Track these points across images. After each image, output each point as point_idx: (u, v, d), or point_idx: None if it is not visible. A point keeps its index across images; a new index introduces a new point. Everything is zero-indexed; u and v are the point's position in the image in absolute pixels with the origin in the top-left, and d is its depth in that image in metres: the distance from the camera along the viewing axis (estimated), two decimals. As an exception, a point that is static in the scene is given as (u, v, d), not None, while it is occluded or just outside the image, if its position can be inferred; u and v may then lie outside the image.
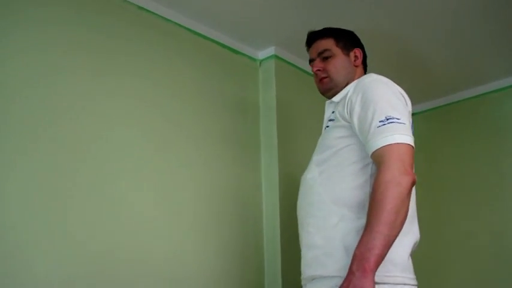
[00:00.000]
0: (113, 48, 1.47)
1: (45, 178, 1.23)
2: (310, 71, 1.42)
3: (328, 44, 1.38)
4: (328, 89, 1.36)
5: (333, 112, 1.30)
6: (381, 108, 1.12)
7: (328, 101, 1.37)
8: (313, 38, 1.42)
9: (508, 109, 2.28)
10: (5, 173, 1.16)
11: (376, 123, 1.10)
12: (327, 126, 1.31)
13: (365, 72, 1.41)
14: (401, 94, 1.20)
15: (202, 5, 1.66)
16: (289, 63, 2.02)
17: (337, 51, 1.38)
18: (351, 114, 1.18)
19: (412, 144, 1.10)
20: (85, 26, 1.41)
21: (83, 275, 1.23)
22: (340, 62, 1.37)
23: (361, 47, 1.43)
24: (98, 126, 1.37)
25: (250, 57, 1.97)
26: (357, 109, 1.16)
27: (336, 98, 1.32)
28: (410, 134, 1.11)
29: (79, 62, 1.37)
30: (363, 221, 1.07)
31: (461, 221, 2.29)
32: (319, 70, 1.36)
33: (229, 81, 1.84)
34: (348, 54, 1.38)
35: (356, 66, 1.38)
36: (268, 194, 1.85)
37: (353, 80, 1.33)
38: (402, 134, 1.08)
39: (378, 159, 1.09)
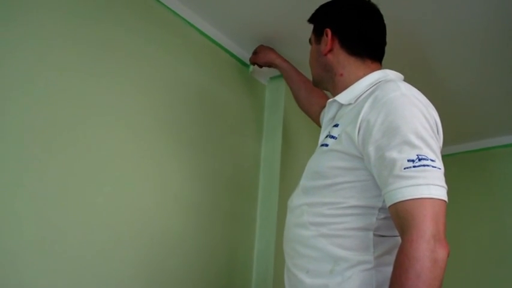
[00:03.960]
0: (118, 43, 1.31)
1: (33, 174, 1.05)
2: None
3: (312, 32, 1.17)
4: (314, 83, 1.17)
5: (335, 125, 1.00)
6: (412, 141, 0.82)
7: (330, 100, 1.08)
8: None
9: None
10: None
11: (403, 162, 0.81)
12: (325, 145, 1.00)
13: (354, 56, 1.06)
14: (436, 123, 0.90)
15: (221, 12, 1.55)
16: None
17: (313, 38, 1.15)
18: (364, 140, 0.88)
19: (447, 200, 0.82)
20: (86, 19, 1.23)
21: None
22: (311, 53, 1.15)
23: (334, 23, 1.07)
24: (91, 125, 1.20)
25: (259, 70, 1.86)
26: (375, 135, 0.86)
27: (341, 99, 1.03)
28: (445, 184, 0.83)
29: (75, 54, 1.19)
30: (367, 265, 0.88)
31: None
32: None
33: (233, 95, 1.72)
34: (319, 41, 1.11)
35: (325, 54, 1.07)
36: (263, 228, 1.69)
37: (339, 74, 1.06)
38: (438, 186, 0.81)
39: (402, 216, 0.80)
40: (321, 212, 0.95)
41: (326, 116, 1.11)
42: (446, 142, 2.55)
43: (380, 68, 1.07)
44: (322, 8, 1.15)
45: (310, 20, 1.18)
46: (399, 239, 0.86)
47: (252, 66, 1.74)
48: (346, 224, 0.91)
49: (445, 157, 0.88)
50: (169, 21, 1.49)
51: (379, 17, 1.09)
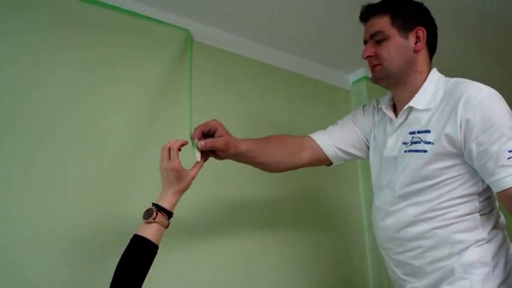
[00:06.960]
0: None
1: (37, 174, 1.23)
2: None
3: (382, 23, 1.14)
4: (381, 78, 1.17)
5: (427, 131, 1.07)
6: (508, 134, 0.97)
7: (405, 108, 1.14)
8: (368, 13, 1.18)
9: None
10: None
11: (505, 153, 0.96)
12: (423, 151, 1.07)
13: (430, 57, 1.17)
14: None
15: (290, 36, 1.67)
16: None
17: (392, 32, 1.13)
18: (466, 137, 1.01)
19: None
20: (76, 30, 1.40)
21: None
22: (394, 47, 1.13)
23: (427, 24, 1.15)
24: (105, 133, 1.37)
25: (341, 78, 1.96)
26: (476, 132, 0.99)
27: (417, 105, 1.11)
28: None
29: (69, 60, 1.36)
30: (481, 242, 1.04)
31: None
32: (370, 56, 1.16)
33: (321, 109, 1.84)
34: (406, 36, 1.13)
35: (416, 51, 1.13)
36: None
37: (419, 71, 1.13)
38: None
39: None
40: (429, 208, 1.08)
41: (396, 121, 1.17)
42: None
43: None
44: (408, 5, 1.16)
45: (392, 11, 1.15)
46: (495, 211, 1.10)
47: (199, 154, 1.12)
48: (455, 212, 1.06)
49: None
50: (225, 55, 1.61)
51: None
